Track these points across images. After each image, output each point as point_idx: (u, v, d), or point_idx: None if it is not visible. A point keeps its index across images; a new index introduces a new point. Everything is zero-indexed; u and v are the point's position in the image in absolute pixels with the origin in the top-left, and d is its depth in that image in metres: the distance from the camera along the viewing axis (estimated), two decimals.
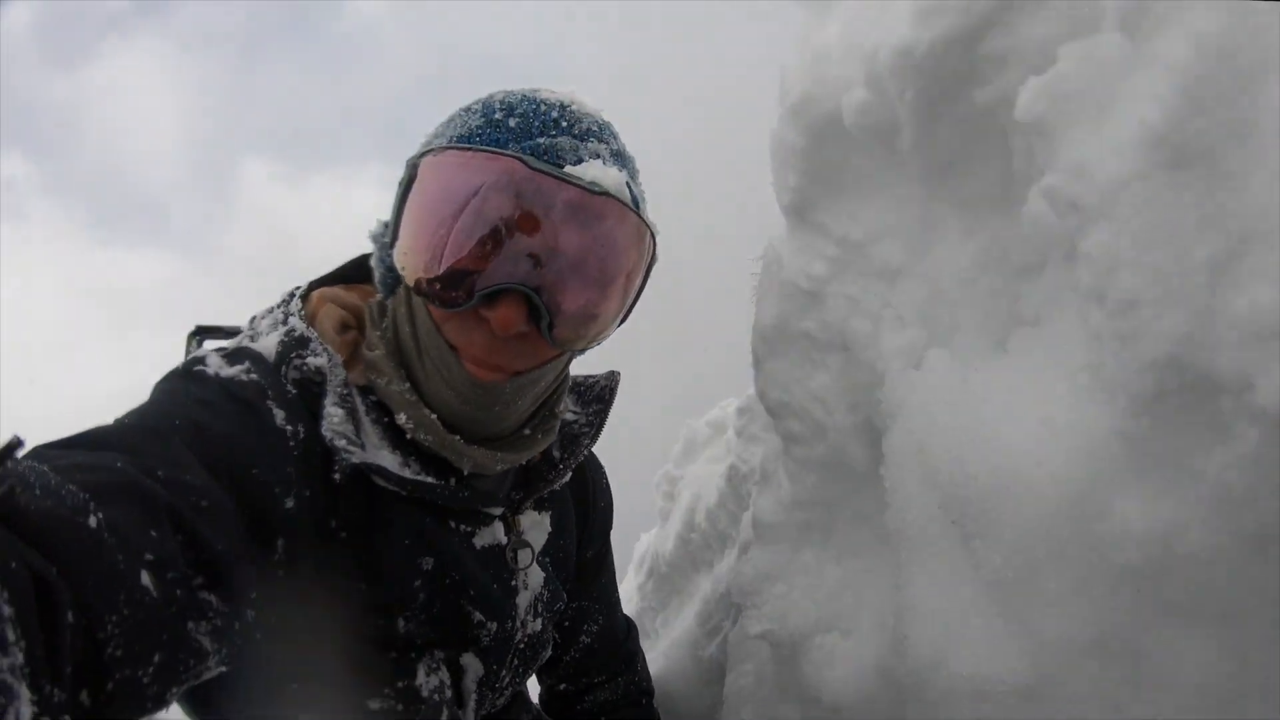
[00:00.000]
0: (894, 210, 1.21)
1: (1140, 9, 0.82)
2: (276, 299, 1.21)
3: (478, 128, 1.07)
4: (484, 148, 1.04)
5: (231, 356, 1.07)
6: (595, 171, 1.05)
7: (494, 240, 1.03)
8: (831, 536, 1.31)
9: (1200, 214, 0.77)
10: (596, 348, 1.20)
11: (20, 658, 0.60)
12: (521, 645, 1.28)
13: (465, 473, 1.15)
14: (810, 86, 1.21)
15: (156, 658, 0.76)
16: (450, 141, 1.08)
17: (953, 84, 1.03)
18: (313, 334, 1.11)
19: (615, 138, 1.15)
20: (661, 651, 1.88)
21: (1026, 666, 0.93)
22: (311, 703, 1.08)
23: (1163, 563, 0.82)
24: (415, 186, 1.07)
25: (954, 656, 0.97)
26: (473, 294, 1.03)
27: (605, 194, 1.05)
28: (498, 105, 1.09)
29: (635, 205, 1.11)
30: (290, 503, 0.99)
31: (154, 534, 0.79)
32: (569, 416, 1.35)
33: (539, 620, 1.30)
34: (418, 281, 1.05)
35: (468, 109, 1.12)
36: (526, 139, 1.06)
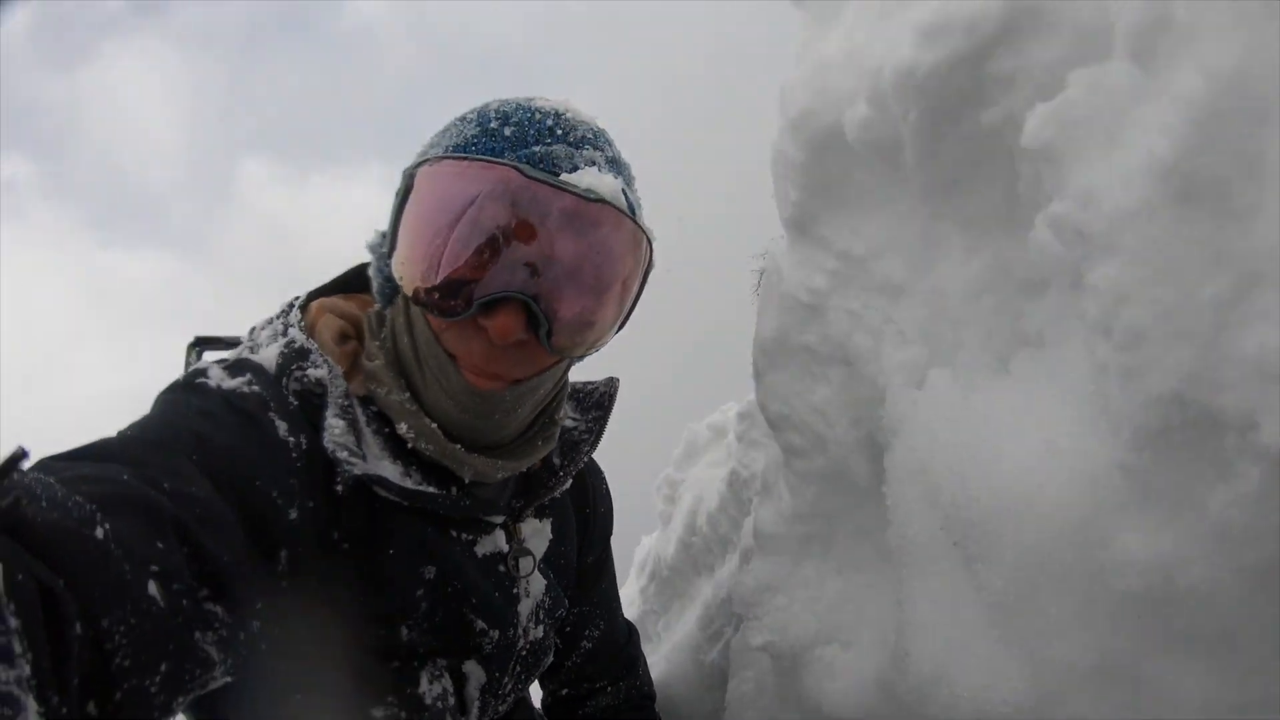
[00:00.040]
0: (896, 225, 1.20)
1: (1151, 38, 0.80)
2: (275, 309, 1.21)
3: (473, 137, 1.08)
4: (480, 157, 1.05)
5: (233, 368, 1.07)
6: (591, 178, 1.06)
7: (491, 249, 1.03)
8: (832, 549, 1.31)
9: (1209, 250, 0.76)
10: (595, 354, 1.21)
11: (27, 669, 0.60)
12: (523, 652, 1.28)
13: (466, 481, 1.15)
14: (811, 100, 1.19)
15: (163, 667, 0.77)
16: (446, 151, 1.08)
17: (957, 104, 1.02)
18: (312, 345, 1.11)
19: (610, 144, 1.16)
20: (663, 655, 1.89)
21: (1028, 688, 0.93)
22: (316, 712, 1.09)
23: (1164, 592, 0.82)
24: (412, 197, 1.08)
25: (955, 675, 0.98)
26: (471, 303, 1.04)
27: (601, 201, 1.05)
28: (493, 114, 1.10)
29: (631, 211, 1.11)
30: (293, 514, 1.00)
31: (160, 545, 0.80)
32: (568, 423, 1.36)
33: (541, 627, 1.30)
34: (416, 291, 1.06)
35: (463, 119, 1.13)
36: (522, 147, 1.06)
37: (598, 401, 1.40)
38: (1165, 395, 0.78)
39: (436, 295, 1.05)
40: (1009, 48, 0.97)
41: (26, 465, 0.70)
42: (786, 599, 1.30)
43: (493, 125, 1.08)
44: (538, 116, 1.09)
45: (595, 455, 1.43)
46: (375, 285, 1.19)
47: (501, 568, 1.22)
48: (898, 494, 1.10)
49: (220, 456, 0.95)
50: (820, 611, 1.26)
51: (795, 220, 1.28)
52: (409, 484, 1.09)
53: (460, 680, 1.22)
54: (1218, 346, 0.75)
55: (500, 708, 1.33)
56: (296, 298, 1.23)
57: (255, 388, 1.05)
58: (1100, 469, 0.86)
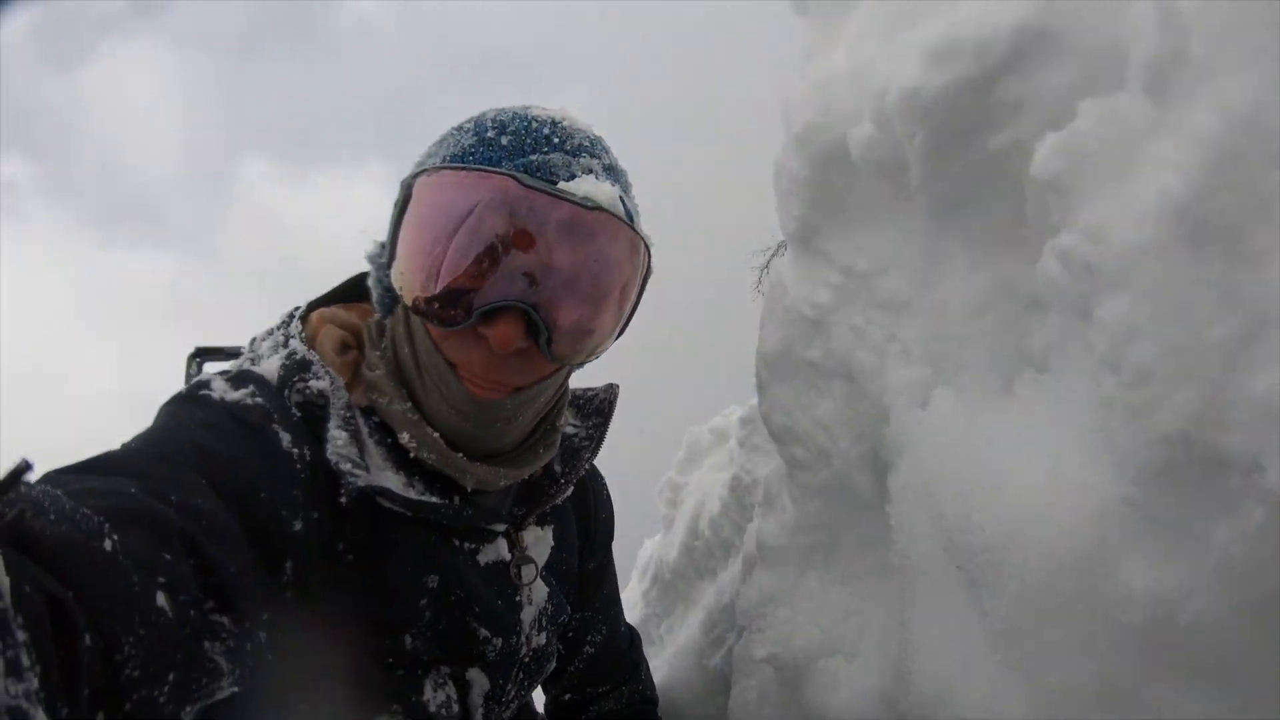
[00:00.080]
0: (900, 241, 1.20)
1: (1166, 71, 0.79)
2: (276, 320, 1.22)
3: (470, 146, 1.08)
4: (478, 166, 1.05)
5: (235, 380, 1.08)
6: (588, 187, 1.06)
7: (491, 258, 1.03)
8: (835, 560, 1.32)
9: (1218, 291, 0.75)
10: (595, 360, 1.22)
11: (35, 683, 0.60)
12: (526, 659, 1.29)
13: (469, 490, 1.16)
14: (815, 116, 1.19)
15: (171, 676, 0.77)
16: (444, 161, 1.08)
17: (964, 128, 1.01)
18: (314, 357, 1.12)
19: (607, 152, 1.16)
20: (666, 659, 1.90)
21: (1029, 713, 0.94)
22: None
23: (1166, 624, 0.83)
24: (410, 207, 1.08)
25: (958, 696, 0.99)
26: (470, 312, 1.04)
27: (599, 209, 1.06)
28: (489, 123, 1.10)
29: (629, 218, 1.12)
30: (298, 525, 1.00)
31: (167, 557, 0.80)
32: (569, 430, 1.36)
33: (543, 634, 1.31)
34: (415, 300, 1.06)
35: (459, 128, 1.13)
36: (519, 156, 1.06)
37: (598, 408, 1.41)
38: (1172, 434, 0.78)
39: (436, 305, 1.05)
40: (1018, 73, 0.95)
41: (31, 477, 0.70)
42: (790, 611, 1.30)
43: (489, 134, 1.09)
44: (534, 125, 1.10)
45: (597, 457, 1.44)
46: (375, 295, 1.19)
47: (504, 576, 1.22)
48: (902, 514, 1.10)
49: (225, 468, 0.96)
50: (823, 623, 1.27)
51: (798, 234, 1.28)
52: (412, 495, 1.09)
53: (464, 688, 1.22)
54: (1225, 387, 0.75)
55: (504, 714, 1.34)
56: (297, 308, 1.23)
57: (258, 399, 1.05)
58: (1105, 502, 0.87)
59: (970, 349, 1.13)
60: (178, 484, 0.89)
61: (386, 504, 1.07)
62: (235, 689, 0.88)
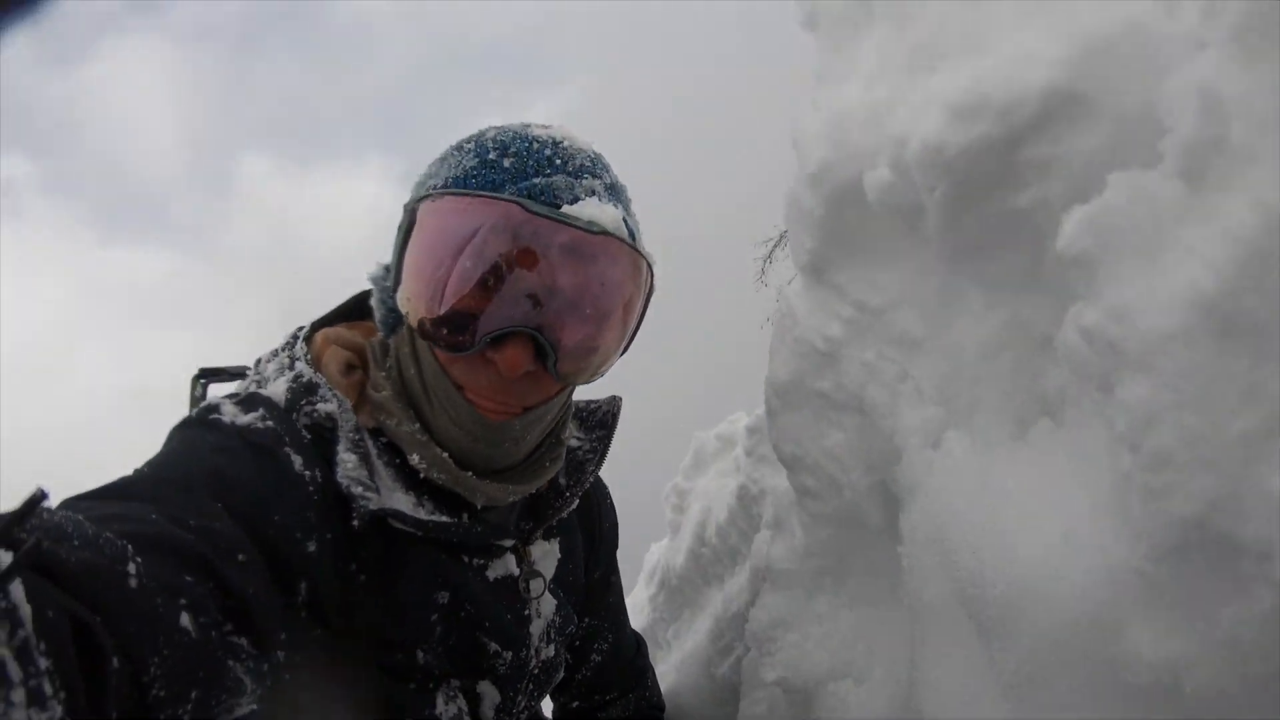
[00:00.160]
0: (914, 279, 1.18)
1: (1204, 156, 0.77)
2: (280, 340, 1.23)
3: (472, 169, 1.08)
4: (481, 192, 1.06)
5: (245, 403, 1.09)
6: (592, 210, 1.07)
7: (497, 284, 1.04)
8: (845, 584, 1.34)
9: (1242, 385, 0.75)
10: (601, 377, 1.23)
11: (59, 710, 0.61)
12: (536, 671, 1.31)
13: (479, 507, 1.17)
14: (829, 154, 1.17)
15: (195, 694, 0.80)
16: (446, 183, 1.08)
17: (986, 185, 0.99)
18: (320, 379, 1.13)
19: (607, 170, 1.16)
20: (674, 666, 1.92)
21: None
22: None
23: (1172, 689, 0.84)
24: (415, 232, 1.08)
25: None
26: (477, 338, 1.05)
27: (604, 233, 1.07)
28: (490, 145, 1.10)
29: (631, 238, 1.13)
30: (312, 546, 1.02)
31: (189, 579, 0.83)
32: (573, 443, 1.37)
33: (552, 646, 1.33)
34: (422, 324, 1.07)
35: (459, 148, 1.12)
36: (522, 179, 1.06)
37: (601, 420, 1.42)
38: (1187, 519, 0.78)
39: (444, 330, 1.07)
40: (1046, 135, 0.93)
41: (48, 505, 0.72)
42: (799, 635, 1.32)
43: (491, 156, 1.08)
44: (536, 146, 1.10)
45: (601, 469, 1.45)
46: (378, 315, 1.19)
47: (513, 590, 1.24)
48: (914, 557, 1.11)
49: (239, 492, 0.97)
50: (833, 647, 1.29)
51: (810, 266, 1.27)
52: (423, 515, 1.11)
53: (475, 700, 1.24)
54: (1243, 479, 0.75)
55: None
56: (301, 328, 1.23)
57: (269, 423, 1.06)
58: (1117, 568, 0.88)
59: (984, 389, 1.13)
60: (194, 509, 0.91)
61: (398, 525, 1.09)
62: (253, 707, 0.90)
